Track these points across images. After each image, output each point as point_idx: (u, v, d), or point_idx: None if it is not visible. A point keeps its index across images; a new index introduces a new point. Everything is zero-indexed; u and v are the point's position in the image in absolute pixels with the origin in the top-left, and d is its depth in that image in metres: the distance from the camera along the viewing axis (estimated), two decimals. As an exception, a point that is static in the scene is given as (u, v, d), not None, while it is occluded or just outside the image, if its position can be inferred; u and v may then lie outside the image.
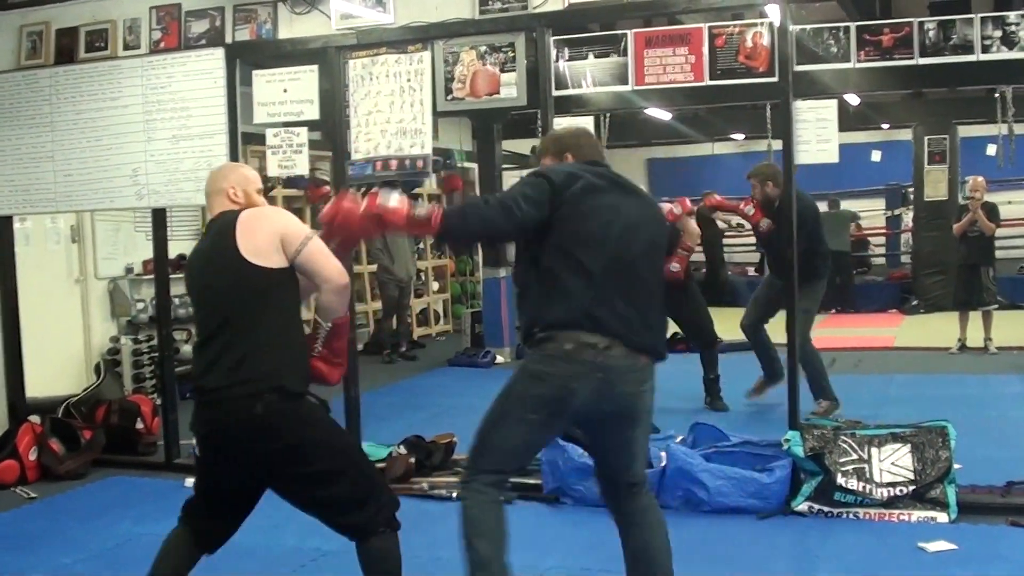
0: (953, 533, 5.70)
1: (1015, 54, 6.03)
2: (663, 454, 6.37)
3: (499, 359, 12.55)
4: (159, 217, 7.76)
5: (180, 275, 10.33)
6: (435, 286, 16.00)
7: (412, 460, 6.84)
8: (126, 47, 7.68)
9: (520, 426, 4.03)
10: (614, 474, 4.32)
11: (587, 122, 6.81)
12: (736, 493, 6.15)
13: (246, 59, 7.43)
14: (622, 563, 4.69)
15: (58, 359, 9.67)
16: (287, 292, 4.22)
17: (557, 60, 6.65)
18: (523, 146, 13.71)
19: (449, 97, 6.84)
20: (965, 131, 16.54)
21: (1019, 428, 8.10)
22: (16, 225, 8.37)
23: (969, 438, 7.06)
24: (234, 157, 7.25)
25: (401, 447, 6.96)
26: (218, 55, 7.33)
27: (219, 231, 4.24)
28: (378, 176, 6.99)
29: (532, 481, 6.57)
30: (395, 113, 6.84)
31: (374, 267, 13.37)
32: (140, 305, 10.47)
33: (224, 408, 4.06)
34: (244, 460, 4.13)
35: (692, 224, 8.67)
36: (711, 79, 6.43)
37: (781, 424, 6.49)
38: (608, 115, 12.41)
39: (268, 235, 4.12)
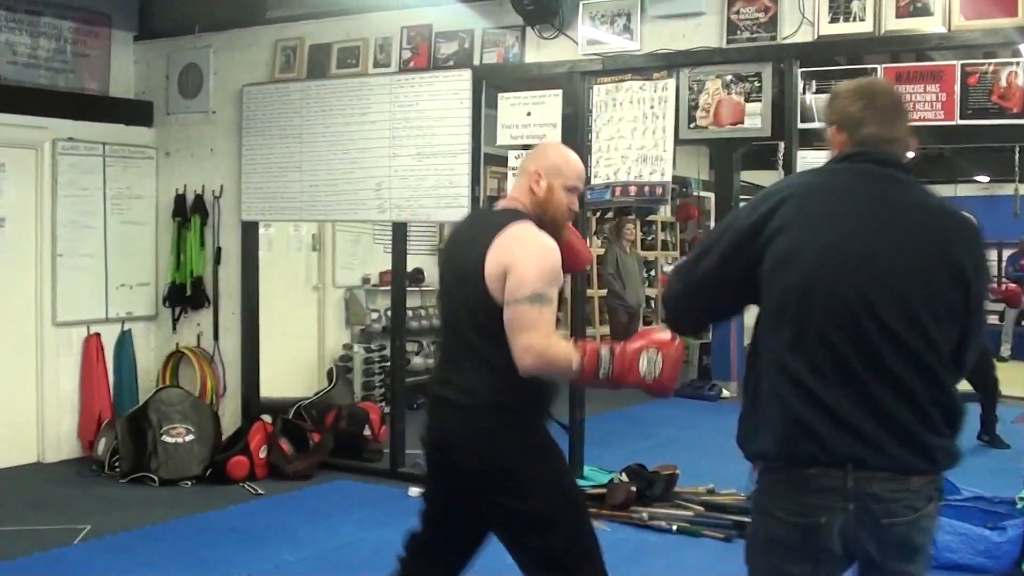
0: None
1: None
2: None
3: (725, 393, 12.39)
4: (399, 231, 7.95)
5: (415, 288, 10.64)
6: (663, 314, 15.87)
7: (633, 488, 6.81)
8: (376, 65, 7.90)
9: None
10: None
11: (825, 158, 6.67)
12: (965, 550, 5.91)
13: (492, 82, 7.54)
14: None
15: (293, 362, 10.00)
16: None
17: (804, 92, 6.56)
18: (761, 177, 13.51)
19: (692, 125, 6.81)
20: None
21: None
22: (260, 231, 8.70)
23: None
24: (476, 177, 7.39)
25: (623, 474, 6.95)
26: (465, 76, 7.48)
27: (485, 229, 3.64)
28: (616, 201, 7.02)
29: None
30: (636, 139, 6.85)
31: (604, 291, 13.38)
32: (374, 315, 10.73)
33: (447, 417, 3.71)
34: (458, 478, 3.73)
35: None
36: (961, 118, 6.23)
37: (1016, 480, 6.23)
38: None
39: (500, 258, 3.50)
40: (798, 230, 2.75)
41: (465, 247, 3.69)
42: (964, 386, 8.91)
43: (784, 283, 2.75)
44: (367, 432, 8.51)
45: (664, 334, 3.47)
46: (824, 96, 6.45)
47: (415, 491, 7.22)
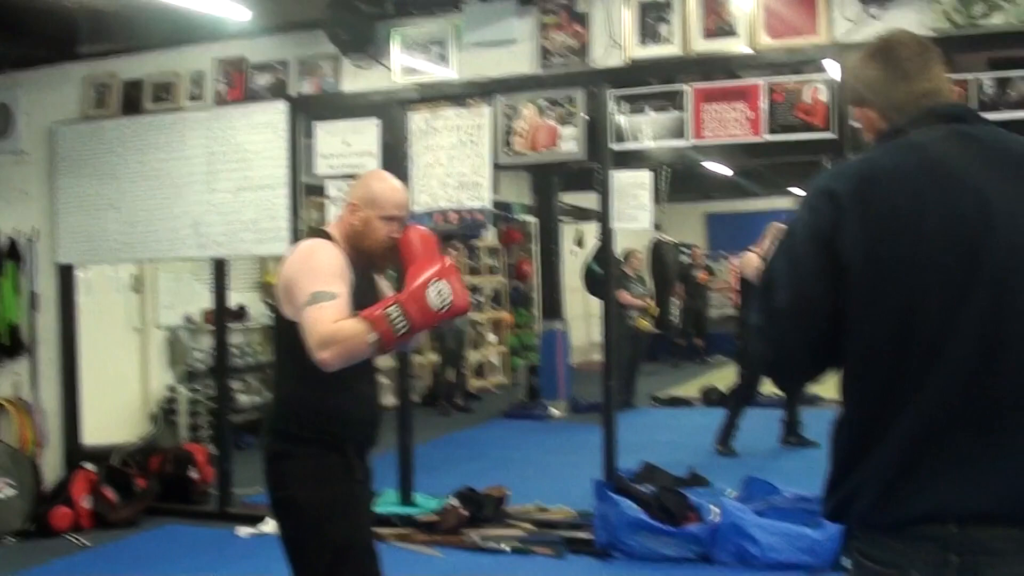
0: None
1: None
2: (715, 509, 6.33)
3: (554, 412, 12.49)
4: (219, 268, 7.83)
5: (239, 325, 10.50)
6: (492, 338, 15.99)
7: (464, 512, 6.82)
8: (191, 98, 7.78)
9: None
10: None
11: (646, 177, 6.81)
12: (788, 549, 6.08)
13: (309, 112, 7.51)
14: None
15: (116, 407, 9.74)
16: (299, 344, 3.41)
17: (616, 114, 6.68)
18: (582, 199, 13.71)
19: (508, 150, 6.88)
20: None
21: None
22: (78, 274, 8.48)
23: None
24: (295, 209, 7.32)
25: (453, 499, 6.95)
26: (281, 108, 7.42)
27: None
28: (437, 228, 7.03)
29: (583, 535, 6.54)
30: (455, 166, 6.89)
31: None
32: (198, 354, 10.54)
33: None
34: None
35: None
36: (769, 134, 6.41)
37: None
38: (668, 169, 12.42)
39: (282, 279, 3.55)
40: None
41: None
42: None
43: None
44: (193, 474, 8.33)
45: (429, 257, 3.43)
46: (637, 117, 6.64)
47: (244, 531, 7.13)
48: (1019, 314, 2.09)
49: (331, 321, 3.28)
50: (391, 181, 3.77)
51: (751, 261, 8.88)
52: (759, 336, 2.35)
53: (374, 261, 3.71)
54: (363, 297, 3.52)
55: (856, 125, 2.48)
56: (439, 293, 3.32)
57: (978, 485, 2.09)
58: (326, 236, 3.67)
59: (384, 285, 3.92)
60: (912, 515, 2.14)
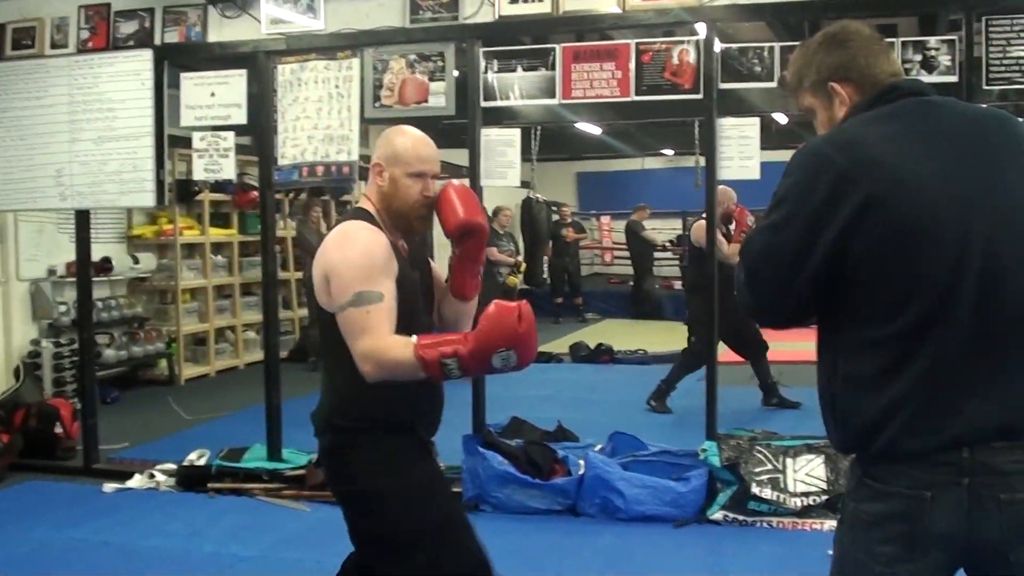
0: (864, 543, 5.78)
1: (934, 78, 6.14)
2: (581, 462, 6.43)
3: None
4: (82, 219, 7.68)
5: (103, 278, 10.33)
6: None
7: (333, 467, 6.81)
8: (54, 46, 7.60)
9: None
10: None
11: (514, 134, 6.84)
12: (653, 501, 6.21)
13: (174, 61, 7.41)
14: (540, 571, 4.70)
15: (-23, 362, 9.56)
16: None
17: (486, 71, 6.69)
18: (453, 156, 13.68)
19: (377, 104, 6.85)
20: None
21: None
22: (-64, 225, 8.26)
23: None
24: (160, 160, 7.21)
25: (322, 454, 6.94)
26: (146, 56, 7.28)
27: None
28: (303, 182, 7.00)
29: (452, 489, 6.58)
30: (322, 119, 6.84)
31: (300, 274, 13.29)
32: (62, 308, 10.35)
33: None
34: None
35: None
36: (637, 95, 6.48)
37: (699, 434, 6.56)
38: (539, 128, 12.48)
39: (321, 267, 3.30)
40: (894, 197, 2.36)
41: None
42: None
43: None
44: (59, 430, 8.20)
45: (510, 322, 3.11)
46: (507, 74, 6.65)
47: (110, 487, 7.05)
48: (1012, 248, 2.37)
49: (379, 333, 3.14)
50: (414, 133, 3.50)
51: (701, 228, 8.88)
52: (748, 289, 2.57)
53: (411, 224, 3.47)
54: (411, 284, 3.37)
55: (810, 103, 2.69)
56: (504, 360, 3.11)
57: (989, 405, 2.34)
58: (366, 215, 3.40)
59: (434, 269, 3.71)
60: (929, 445, 2.35)
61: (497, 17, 6.59)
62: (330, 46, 6.90)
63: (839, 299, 2.46)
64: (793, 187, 2.48)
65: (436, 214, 3.47)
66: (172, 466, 7.17)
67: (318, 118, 6.85)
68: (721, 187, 8.85)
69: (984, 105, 2.54)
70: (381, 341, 3.12)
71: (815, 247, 2.40)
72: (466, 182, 5.70)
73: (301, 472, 6.82)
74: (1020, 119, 2.68)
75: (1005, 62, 6.07)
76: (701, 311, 8.48)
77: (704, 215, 8.75)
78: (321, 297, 3.28)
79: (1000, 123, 2.53)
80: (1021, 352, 2.39)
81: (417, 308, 3.41)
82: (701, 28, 6.39)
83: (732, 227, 8.73)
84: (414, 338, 3.13)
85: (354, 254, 3.22)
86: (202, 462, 7.09)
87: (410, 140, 3.45)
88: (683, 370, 9.38)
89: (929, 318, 2.36)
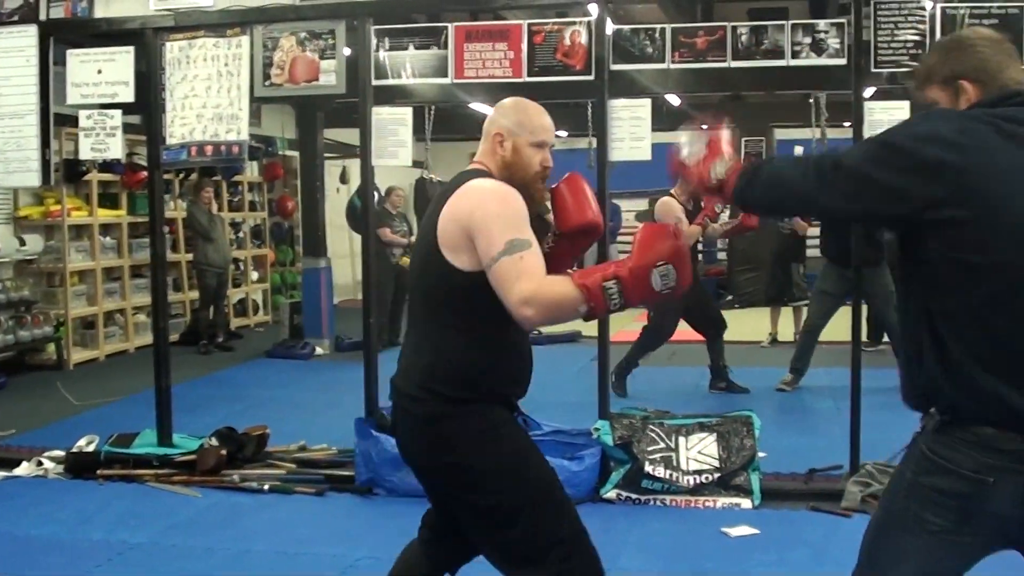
0: (756, 519, 5.88)
1: (823, 60, 6.22)
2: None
3: (318, 351, 12.42)
4: (-36, 199, 7.49)
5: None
6: (254, 275, 15.79)
7: (223, 452, 6.73)
8: (-69, 21, 7.38)
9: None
10: None
11: (406, 113, 6.79)
12: (546, 481, 6.22)
13: (60, 37, 7.23)
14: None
15: None
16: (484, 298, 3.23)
17: (377, 50, 6.63)
18: (346, 135, 13.61)
19: (267, 83, 6.76)
20: (782, 134, 17.03)
21: (823, 418, 8.41)
22: None
23: (775, 427, 7.43)
24: (46, 139, 7.05)
25: (213, 439, 6.86)
26: (31, 32, 7.07)
27: (441, 196, 3.42)
28: (193, 161, 6.88)
29: (344, 472, 6.55)
30: (212, 98, 6.72)
31: (191, 256, 13.13)
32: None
33: (398, 407, 3.49)
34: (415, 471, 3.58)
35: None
36: (529, 76, 6.48)
37: (592, 414, 6.59)
38: (433, 108, 12.44)
39: (456, 224, 3.26)
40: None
41: (426, 219, 3.41)
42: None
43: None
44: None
45: (664, 237, 3.10)
46: (399, 53, 6.60)
47: (-5, 473, 6.92)
48: None
49: (537, 275, 3.12)
50: (534, 105, 3.53)
51: (666, 204, 8.87)
52: (818, 186, 2.69)
53: (533, 194, 3.43)
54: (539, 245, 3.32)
55: (936, 97, 2.82)
56: (664, 277, 3.07)
57: None
58: (477, 172, 3.44)
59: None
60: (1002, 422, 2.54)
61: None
62: (219, 23, 6.78)
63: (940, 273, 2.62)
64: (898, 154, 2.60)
65: (552, 206, 3.51)
66: (61, 453, 7.02)
67: (207, 96, 6.73)
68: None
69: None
70: (539, 282, 3.11)
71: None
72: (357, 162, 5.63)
73: (192, 457, 6.73)
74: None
75: (893, 45, 6.16)
76: None
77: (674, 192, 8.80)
78: (456, 255, 3.24)
79: None
80: None
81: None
82: (594, 9, 6.39)
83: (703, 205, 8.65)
84: (569, 271, 3.15)
85: (500, 207, 3.22)
86: (91, 448, 6.95)
87: (533, 109, 3.49)
88: (641, 349, 9.29)
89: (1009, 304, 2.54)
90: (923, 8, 6.14)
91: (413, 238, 13.34)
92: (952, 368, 2.58)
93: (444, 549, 3.67)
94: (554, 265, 3.42)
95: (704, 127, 2.90)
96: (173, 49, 6.85)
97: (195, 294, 13.37)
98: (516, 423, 3.49)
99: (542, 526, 3.33)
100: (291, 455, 6.96)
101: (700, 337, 9.31)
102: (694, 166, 2.96)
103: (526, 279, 3.10)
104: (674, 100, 14.09)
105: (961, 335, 2.57)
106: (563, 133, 20.28)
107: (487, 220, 3.18)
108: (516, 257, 3.12)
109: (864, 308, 7.45)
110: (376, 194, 11.40)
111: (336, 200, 15.76)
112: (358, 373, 6.87)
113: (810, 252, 12.61)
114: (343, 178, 16.80)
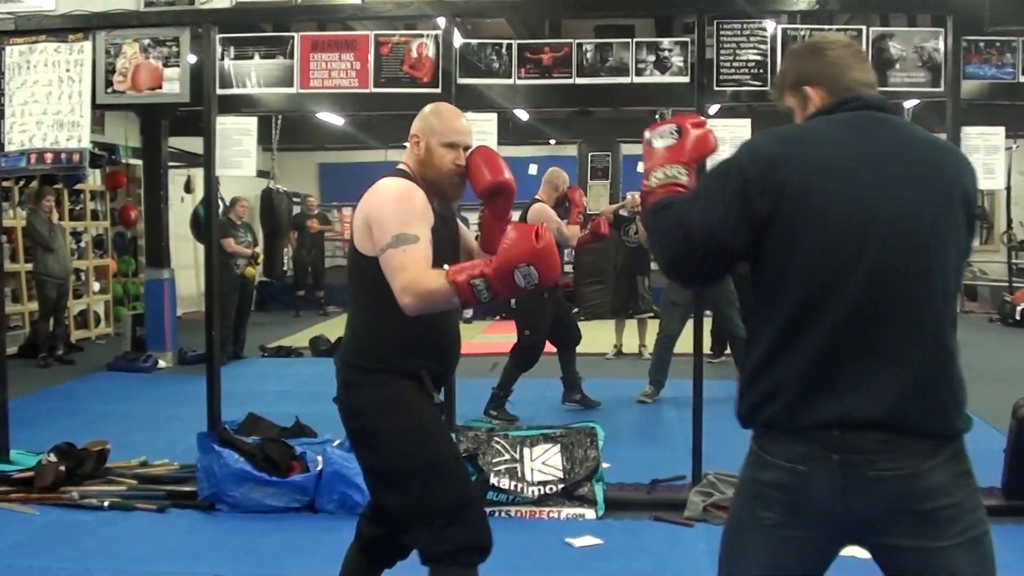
0: (600, 529, 5.95)
1: (667, 78, 6.34)
2: (320, 458, 6.37)
3: (161, 364, 12.21)
4: None
5: None
6: (96, 286, 15.47)
7: (62, 468, 6.57)
8: None
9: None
10: None
11: (250, 123, 6.72)
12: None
13: None
14: (278, 570, 4.62)
15: None
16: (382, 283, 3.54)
17: (222, 58, 6.56)
18: (191, 144, 13.42)
19: (109, 90, 6.63)
20: (628, 149, 17.31)
21: (666, 429, 8.56)
22: None
23: (620, 438, 7.51)
24: None
25: (51, 455, 6.69)
26: None
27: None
28: (32, 169, 6.72)
29: (187, 488, 6.45)
30: (52, 104, 6.57)
31: (30, 266, 12.81)
32: None
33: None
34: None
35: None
36: (376, 87, 6.49)
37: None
38: (280, 117, 12.35)
39: (361, 216, 3.63)
40: (821, 186, 2.59)
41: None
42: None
43: (812, 241, 2.59)
44: None
45: (526, 239, 3.35)
46: (244, 62, 6.55)
47: None
48: (901, 262, 2.57)
49: (415, 268, 3.43)
50: (448, 108, 3.90)
51: (540, 211, 8.70)
52: (667, 245, 2.77)
53: (445, 191, 3.77)
54: (443, 240, 3.67)
55: (790, 104, 2.90)
56: (526, 277, 3.35)
57: (861, 398, 2.57)
58: (405, 174, 3.74)
59: (463, 229, 4.03)
60: (806, 423, 2.61)
61: (234, 3, 6.49)
62: (61, 28, 6.65)
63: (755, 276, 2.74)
64: (729, 170, 2.68)
65: (468, 178, 3.77)
66: None
67: (48, 103, 6.57)
68: (554, 169, 8.89)
69: (943, 136, 2.82)
70: (417, 274, 3.43)
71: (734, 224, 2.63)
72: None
73: (29, 474, 6.55)
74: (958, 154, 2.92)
75: (735, 64, 6.31)
76: (535, 302, 8.52)
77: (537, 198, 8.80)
78: (363, 244, 3.61)
79: (941, 154, 2.74)
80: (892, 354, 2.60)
81: (447, 261, 3.61)
82: (441, 22, 6.42)
83: (568, 208, 8.64)
84: (445, 267, 3.44)
85: (394, 204, 3.56)
86: (-79, 464, 6.74)
87: (446, 113, 3.83)
88: (516, 369, 8.95)
89: (817, 308, 2.60)
90: (764, 29, 6.30)
91: (258, 249, 13.23)
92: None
93: (380, 549, 3.98)
94: (486, 233, 3.91)
95: (704, 127, 3.00)
96: (13, 54, 6.68)
97: (34, 305, 13.03)
98: (422, 396, 3.71)
99: (432, 492, 3.60)
100: (132, 471, 6.82)
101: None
102: (664, 150, 3.04)
103: (405, 271, 3.43)
104: (522, 115, 14.19)
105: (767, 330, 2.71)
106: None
107: (382, 215, 3.54)
108: (400, 250, 3.46)
109: (707, 321, 7.58)
110: (221, 204, 11.29)
111: (180, 210, 15.52)
112: (201, 386, 6.77)
113: (655, 265, 12.80)
114: (188, 187, 16.54)
